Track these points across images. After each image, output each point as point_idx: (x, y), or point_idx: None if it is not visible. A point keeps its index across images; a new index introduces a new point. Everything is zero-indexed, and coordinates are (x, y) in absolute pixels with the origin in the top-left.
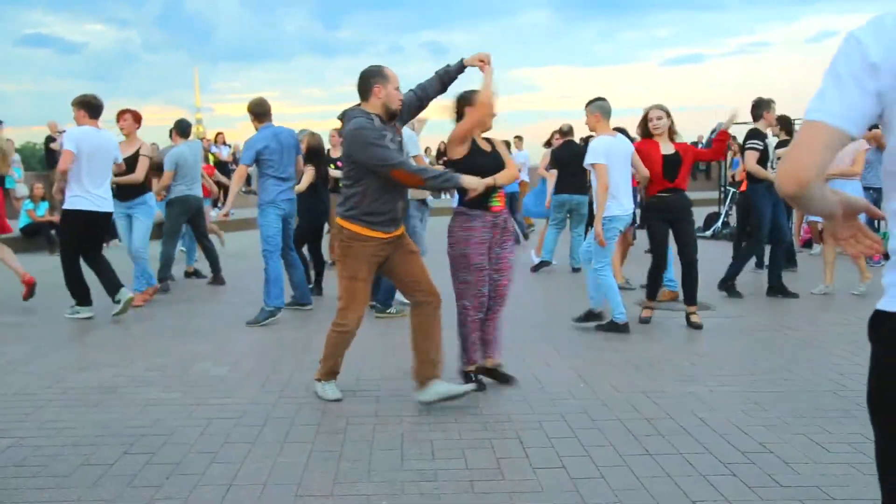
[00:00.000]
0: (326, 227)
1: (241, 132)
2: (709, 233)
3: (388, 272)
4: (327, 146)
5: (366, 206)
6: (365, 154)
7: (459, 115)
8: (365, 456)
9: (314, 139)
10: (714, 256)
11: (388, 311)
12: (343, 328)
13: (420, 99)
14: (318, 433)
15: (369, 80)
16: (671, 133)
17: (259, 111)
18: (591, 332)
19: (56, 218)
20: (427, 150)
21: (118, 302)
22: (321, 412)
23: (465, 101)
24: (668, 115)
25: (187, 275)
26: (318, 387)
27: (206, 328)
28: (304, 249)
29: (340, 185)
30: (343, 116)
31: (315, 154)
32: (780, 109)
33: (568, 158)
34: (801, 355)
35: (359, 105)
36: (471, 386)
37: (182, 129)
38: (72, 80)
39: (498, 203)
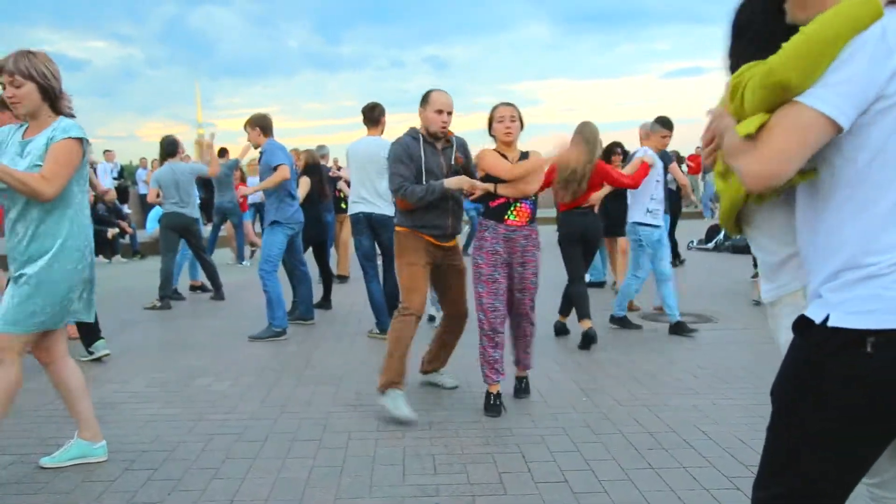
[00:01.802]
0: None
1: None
2: (711, 245)
3: (434, 280)
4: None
5: (417, 218)
6: (390, 170)
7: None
8: (366, 471)
9: (310, 156)
10: (715, 268)
11: (383, 334)
12: (407, 311)
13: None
14: (320, 448)
15: (420, 103)
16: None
17: (264, 124)
18: (594, 346)
19: None
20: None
21: (91, 353)
22: (322, 427)
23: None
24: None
25: (192, 288)
26: (385, 401)
27: (206, 343)
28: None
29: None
30: None
31: (312, 170)
32: None
33: None
34: None
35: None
36: (409, 418)
37: (165, 148)
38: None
39: (515, 217)
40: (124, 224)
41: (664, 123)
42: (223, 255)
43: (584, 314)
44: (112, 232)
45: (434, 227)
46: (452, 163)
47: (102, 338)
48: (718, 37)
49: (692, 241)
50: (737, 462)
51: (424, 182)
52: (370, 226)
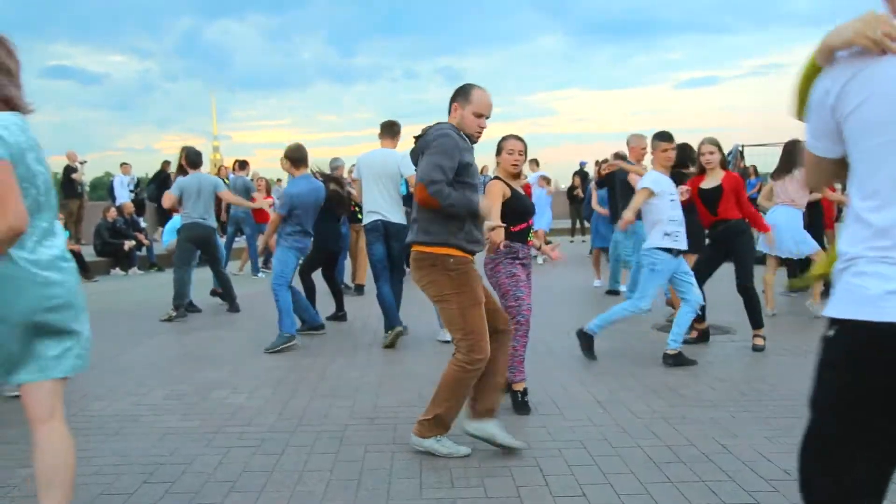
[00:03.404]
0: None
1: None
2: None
3: None
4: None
5: (464, 232)
6: (433, 160)
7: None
8: (384, 485)
9: (326, 169)
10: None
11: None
12: (477, 365)
13: None
14: (337, 462)
15: (453, 96)
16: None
17: (296, 157)
18: (610, 358)
19: (78, 248)
20: (484, 168)
21: None
22: (339, 440)
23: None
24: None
25: (213, 293)
26: (431, 445)
27: (223, 356)
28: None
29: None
30: (425, 131)
31: (330, 178)
32: (797, 131)
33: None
34: None
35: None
36: (518, 444)
37: (190, 158)
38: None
39: (532, 237)
40: (141, 236)
41: (663, 137)
42: (229, 267)
43: None
44: (129, 244)
45: (477, 241)
46: None
47: None
48: (733, 46)
49: None
50: (757, 476)
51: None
52: (385, 234)
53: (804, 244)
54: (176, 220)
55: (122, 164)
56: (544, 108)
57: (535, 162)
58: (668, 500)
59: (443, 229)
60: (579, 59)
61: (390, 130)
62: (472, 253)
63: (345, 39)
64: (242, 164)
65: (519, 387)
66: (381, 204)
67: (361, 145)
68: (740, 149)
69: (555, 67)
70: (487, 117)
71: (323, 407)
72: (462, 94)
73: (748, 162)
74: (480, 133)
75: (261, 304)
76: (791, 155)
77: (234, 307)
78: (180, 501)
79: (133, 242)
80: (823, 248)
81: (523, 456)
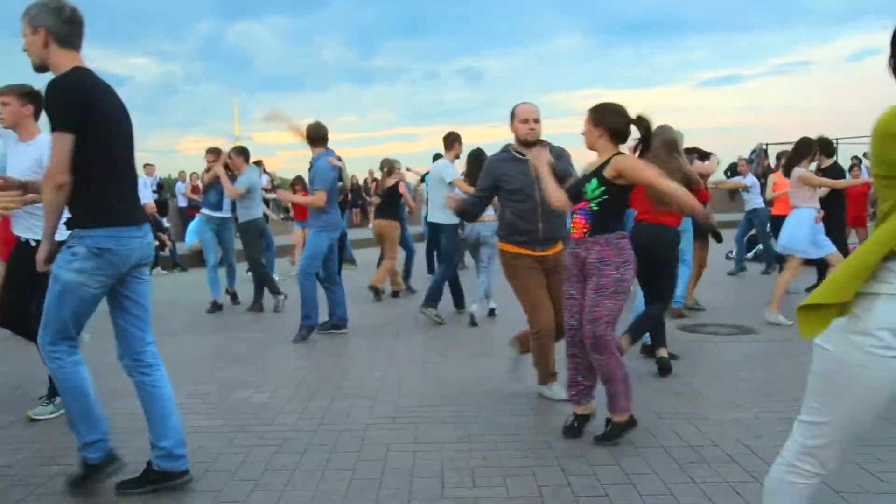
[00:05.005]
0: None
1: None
2: (750, 255)
3: (547, 288)
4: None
5: (508, 227)
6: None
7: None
8: (405, 484)
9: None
10: (757, 279)
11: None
12: (538, 333)
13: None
14: (359, 461)
15: (510, 119)
16: None
17: (316, 135)
18: (634, 358)
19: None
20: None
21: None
22: (361, 440)
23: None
24: None
25: (226, 292)
26: (544, 390)
27: (246, 355)
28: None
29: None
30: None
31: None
32: (820, 129)
33: None
34: None
35: None
36: (564, 397)
37: (244, 154)
38: None
39: (573, 229)
40: (164, 237)
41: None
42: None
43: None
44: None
45: (522, 232)
46: None
47: None
48: (756, 44)
49: (730, 252)
50: None
51: (500, 192)
52: (435, 230)
53: (818, 246)
54: (197, 222)
55: (146, 166)
56: (564, 108)
57: None
58: (691, 501)
59: (501, 228)
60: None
61: (445, 142)
62: (524, 246)
63: (365, 41)
64: (256, 164)
65: (577, 409)
66: (434, 206)
67: (381, 146)
68: (764, 148)
69: (575, 67)
70: (536, 120)
71: (345, 406)
72: (511, 115)
73: (772, 161)
74: (530, 133)
75: (286, 303)
76: (797, 153)
77: (256, 306)
78: (203, 500)
79: (156, 243)
80: (844, 248)
81: (545, 456)
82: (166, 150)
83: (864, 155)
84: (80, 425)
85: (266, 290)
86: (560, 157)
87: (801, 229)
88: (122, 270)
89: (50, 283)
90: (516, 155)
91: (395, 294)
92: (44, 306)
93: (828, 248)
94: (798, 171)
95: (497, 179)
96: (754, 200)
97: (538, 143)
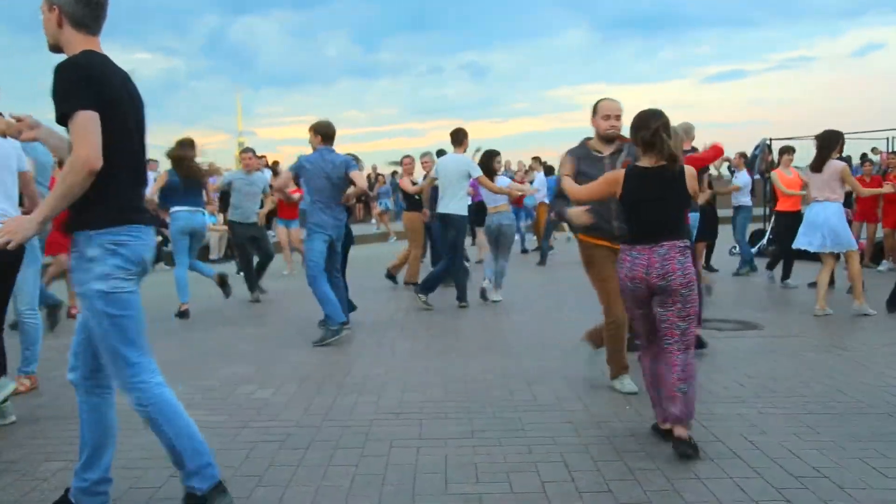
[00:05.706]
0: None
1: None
2: (754, 250)
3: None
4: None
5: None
6: None
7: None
8: (409, 480)
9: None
10: (760, 274)
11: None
12: (613, 324)
13: None
14: (362, 457)
15: (592, 114)
16: None
17: (326, 133)
18: (633, 359)
19: None
20: (514, 162)
21: None
22: (364, 436)
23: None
24: None
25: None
26: (615, 384)
27: (249, 351)
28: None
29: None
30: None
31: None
32: (826, 124)
33: None
34: (854, 376)
35: None
36: (635, 390)
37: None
38: None
39: None
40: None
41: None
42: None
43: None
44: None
45: (597, 229)
46: (618, 166)
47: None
48: (761, 39)
49: (734, 247)
50: (785, 473)
51: (580, 183)
52: (446, 222)
53: (839, 240)
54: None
55: (149, 161)
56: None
57: (537, 160)
58: (696, 498)
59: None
60: (604, 54)
61: (456, 138)
62: (601, 238)
63: (369, 36)
64: (274, 165)
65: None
66: (448, 199)
67: (384, 141)
68: (768, 143)
69: (579, 62)
70: (617, 116)
71: (348, 402)
72: (593, 110)
73: (776, 156)
74: (610, 130)
75: (287, 300)
76: (824, 148)
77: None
78: None
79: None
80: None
81: (549, 452)
82: (169, 146)
83: (872, 150)
84: (184, 452)
85: (255, 284)
86: (634, 155)
87: (843, 222)
88: (147, 270)
89: (87, 314)
90: (593, 153)
91: (408, 284)
92: (100, 350)
93: (848, 243)
94: (837, 164)
95: (576, 172)
96: (741, 199)
97: (618, 138)
